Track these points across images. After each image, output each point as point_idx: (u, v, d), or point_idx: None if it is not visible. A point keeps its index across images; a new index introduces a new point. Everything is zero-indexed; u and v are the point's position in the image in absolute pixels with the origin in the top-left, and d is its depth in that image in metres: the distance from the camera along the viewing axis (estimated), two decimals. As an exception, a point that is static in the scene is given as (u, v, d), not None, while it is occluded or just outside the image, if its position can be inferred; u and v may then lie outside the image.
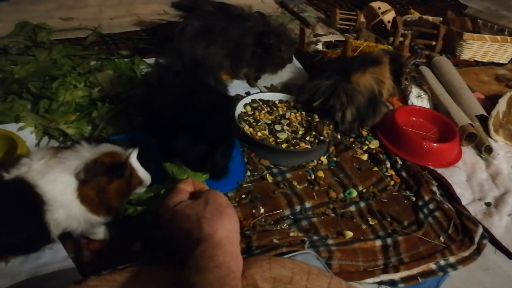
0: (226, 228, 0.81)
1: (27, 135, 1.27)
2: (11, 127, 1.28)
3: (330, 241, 1.11)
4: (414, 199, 1.29)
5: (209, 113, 1.06)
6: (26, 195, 0.86)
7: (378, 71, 1.48)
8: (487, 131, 1.59)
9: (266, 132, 1.35)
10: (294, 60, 1.81)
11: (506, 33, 2.12)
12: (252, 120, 1.38)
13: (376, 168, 1.37)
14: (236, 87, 1.63)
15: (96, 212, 0.92)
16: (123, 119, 1.35)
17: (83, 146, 0.91)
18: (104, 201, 0.91)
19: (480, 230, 1.21)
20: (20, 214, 0.87)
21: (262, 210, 1.16)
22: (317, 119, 1.42)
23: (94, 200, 0.90)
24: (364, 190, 1.29)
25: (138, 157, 0.95)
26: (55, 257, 0.98)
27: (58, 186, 0.87)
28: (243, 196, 1.19)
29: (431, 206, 1.26)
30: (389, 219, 1.21)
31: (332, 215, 1.20)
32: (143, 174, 0.96)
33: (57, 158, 0.89)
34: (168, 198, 0.89)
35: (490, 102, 1.71)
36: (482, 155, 1.52)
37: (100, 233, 1.01)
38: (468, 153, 1.52)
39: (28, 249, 0.96)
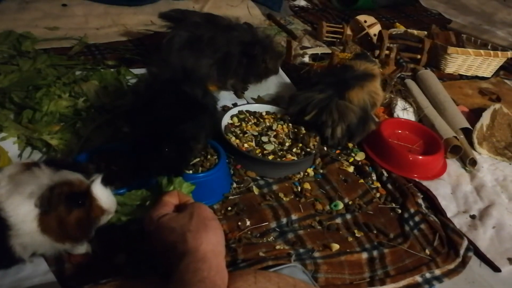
0: (211, 242, 0.80)
1: (10, 146, 1.25)
2: (-7, 138, 1.25)
3: (316, 254, 1.10)
4: (400, 211, 1.29)
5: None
6: None
7: (372, 84, 1.49)
8: (471, 144, 1.61)
9: (253, 144, 1.34)
10: (281, 72, 1.82)
11: (489, 47, 2.16)
12: (238, 132, 1.37)
13: (362, 180, 1.38)
14: (223, 98, 1.62)
15: (61, 241, 0.87)
16: (109, 130, 1.33)
17: (43, 170, 0.85)
18: (65, 232, 0.87)
19: (465, 243, 1.22)
20: None
21: (248, 223, 1.16)
22: (303, 131, 1.42)
23: (56, 230, 0.85)
24: (350, 202, 1.29)
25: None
26: (35, 270, 0.96)
27: (20, 212, 0.82)
28: (229, 208, 1.19)
29: (417, 218, 1.26)
30: (375, 232, 1.21)
31: (319, 227, 1.20)
32: (106, 203, 0.90)
33: (15, 181, 0.84)
34: (153, 210, 0.88)
35: (474, 115, 1.73)
36: (466, 168, 1.53)
37: (81, 248, 0.99)
38: (453, 165, 1.53)
39: None
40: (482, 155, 1.60)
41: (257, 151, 1.32)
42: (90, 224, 0.89)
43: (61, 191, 0.84)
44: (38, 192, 0.83)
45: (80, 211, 0.87)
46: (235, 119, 1.42)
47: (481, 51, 2.05)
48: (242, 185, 1.26)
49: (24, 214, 0.83)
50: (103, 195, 0.89)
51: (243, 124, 1.41)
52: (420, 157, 1.45)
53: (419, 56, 2.10)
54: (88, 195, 0.88)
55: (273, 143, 1.35)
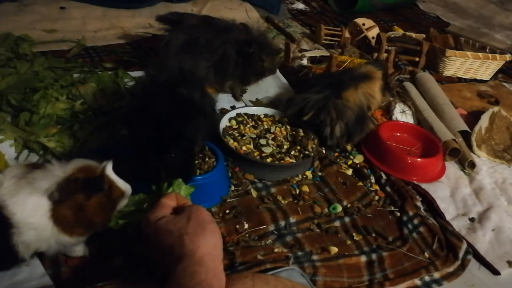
0: (208, 245, 0.79)
1: (6, 148, 1.24)
2: (-10, 140, 1.25)
3: (314, 257, 1.10)
4: (398, 214, 1.29)
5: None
6: None
7: (369, 86, 1.48)
8: (470, 146, 1.61)
9: (251, 146, 1.34)
10: (279, 74, 1.82)
11: (487, 50, 2.16)
12: (237, 134, 1.37)
13: (360, 183, 1.37)
14: (221, 101, 1.62)
15: (70, 232, 0.88)
16: (106, 133, 1.33)
17: (54, 165, 0.87)
18: (83, 219, 0.88)
19: (464, 246, 1.21)
20: None
21: (246, 226, 1.15)
22: (302, 134, 1.42)
23: (70, 220, 0.87)
24: (348, 205, 1.29)
25: (116, 170, 0.92)
26: (32, 273, 0.95)
27: (27, 208, 0.83)
28: (227, 211, 1.18)
29: (416, 221, 1.26)
30: (373, 235, 1.21)
31: (317, 230, 1.19)
32: (123, 185, 0.92)
33: (27, 178, 0.85)
34: (150, 213, 0.88)
35: (472, 118, 1.73)
36: (465, 171, 1.53)
37: (78, 250, 0.99)
38: (452, 168, 1.53)
39: None
40: (481, 157, 1.60)
41: (255, 154, 1.31)
42: (111, 207, 0.91)
43: (77, 178, 0.86)
44: (53, 185, 0.84)
45: (100, 195, 0.88)
46: (233, 122, 1.42)
47: (479, 54, 2.05)
48: (240, 187, 1.26)
49: (32, 209, 0.84)
50: (118, 178, 0.91)
51: (241, 127, 1.41)
52: (419, 159, 1.45)
53: (417, 59, 2.10)
54: (104, 179, 0.89)
55: (271, 146, 1.35)
